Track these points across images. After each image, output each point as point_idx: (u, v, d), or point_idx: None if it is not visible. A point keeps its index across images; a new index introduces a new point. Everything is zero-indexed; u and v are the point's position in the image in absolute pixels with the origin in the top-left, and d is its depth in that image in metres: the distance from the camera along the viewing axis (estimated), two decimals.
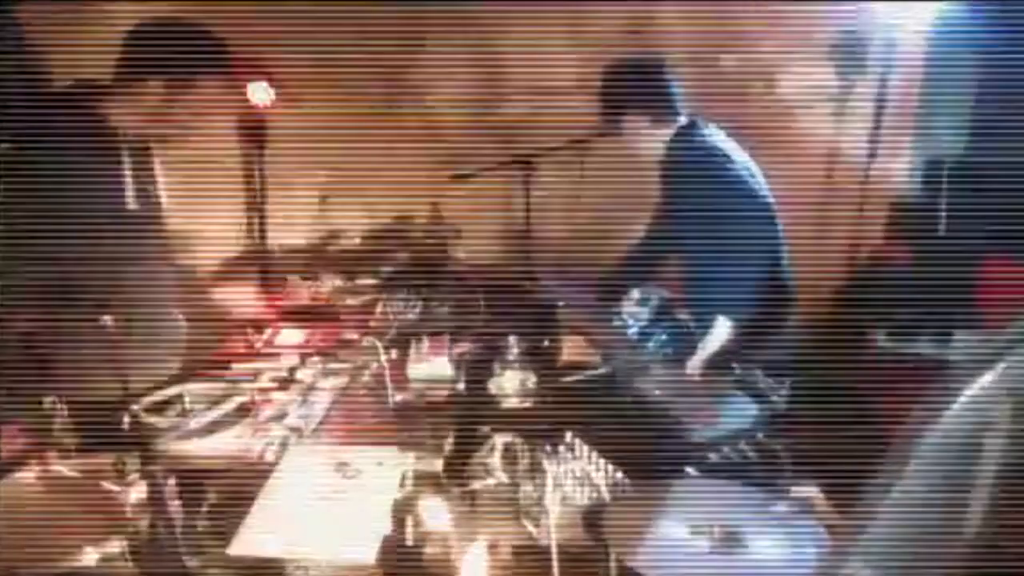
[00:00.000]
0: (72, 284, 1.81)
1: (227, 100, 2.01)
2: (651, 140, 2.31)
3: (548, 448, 1.44)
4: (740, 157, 2.29)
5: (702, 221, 2.18)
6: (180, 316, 2.15)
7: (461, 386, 1.84)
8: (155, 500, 1.18)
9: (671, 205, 2.41)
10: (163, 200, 2.05)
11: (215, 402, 1.67)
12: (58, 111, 1.83)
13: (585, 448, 1.45)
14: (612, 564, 1.15)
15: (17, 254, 1.76)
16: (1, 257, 1.75)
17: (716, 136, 2.30)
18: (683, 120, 2.30)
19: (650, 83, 2.31)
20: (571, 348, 2.05)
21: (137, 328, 1.93)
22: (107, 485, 1.30)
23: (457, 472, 1.45)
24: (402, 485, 1.36)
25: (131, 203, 1.91)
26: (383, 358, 1.80)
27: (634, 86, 2.32)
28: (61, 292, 1.82)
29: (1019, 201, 2.83)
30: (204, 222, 2.38)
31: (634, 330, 2.17)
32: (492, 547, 1.27)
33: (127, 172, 1.90)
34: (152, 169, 2.01)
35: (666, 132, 2.29)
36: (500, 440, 1.47)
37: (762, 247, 2.21)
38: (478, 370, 1.88)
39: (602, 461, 1.42)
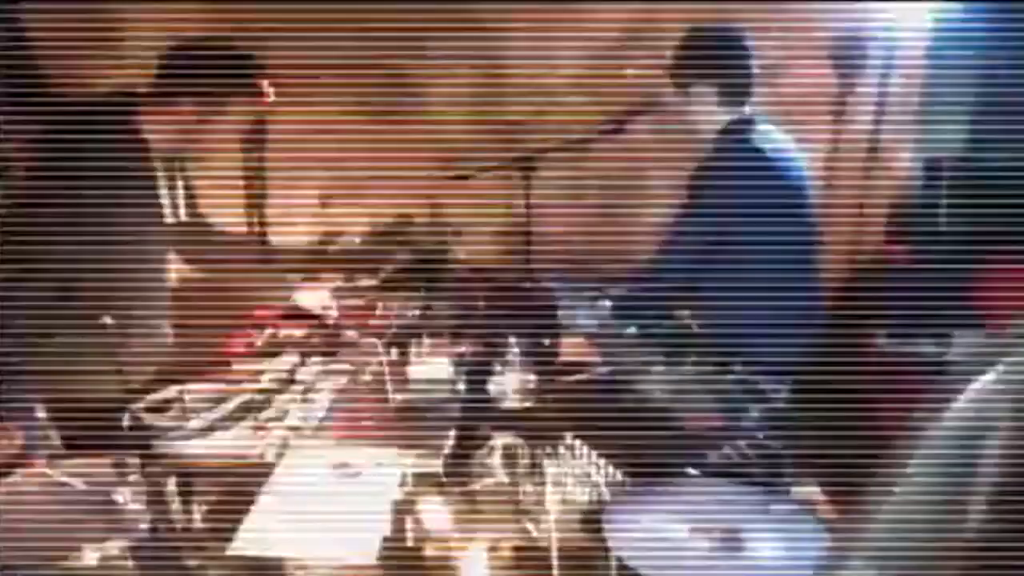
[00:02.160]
0: (79, 286, 1.82)
1: (256, 120, 2.02)
2: (711, 121, 2.21)
3: (548, 448, 1.44)
4: (791, 163, 2.22)
5: (727, 235, 2.12)
6: (167, 326, 2.15)
7: (461, 386, 1.84)
8: (155, 500, 1.18)
9: (700, 204, 2.22)
10: (183, 214, 2.07)
11: (215, 402, 1.67)
12: (90, 118, 1.86)
13: (585, 448, 1.45)
14: (612, 564, 1.15)
15: (31, 257, 1.77)
16: (13, 260, 1.77)
17: (771, 137, 2.21)
18: (746, 112, 2.21)
19: (734, 60, 2.18)
20: (571, 348, 2.05)
21: (131, 332, 1.95)
22: (107, 485, 1.30)
23: (457, 472, 1.45)
24: (402, 485, 1.36)
25: (168, 213, 1.96)
26: (383, 358, 1.80)
27: (717, 57, 2.19)
28: (65, 294, 1.83)
29: (1019, 201, 2.83)
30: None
31: (634, 330, 2.17)
32: (492, 547, 1.27)
33: (160, 182, 1.94)
34: (176, 184, 2.03)
35: (728, 116, 2.20)
36: (500, 440, 1.47)
37: (785, 276, 2.16)
38: (478, 370, 1.88)
39: (602, 461, 1.42)
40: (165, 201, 1.97)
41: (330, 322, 2.30)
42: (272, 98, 2.05)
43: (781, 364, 2.08)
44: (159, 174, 1.94)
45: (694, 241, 2.22)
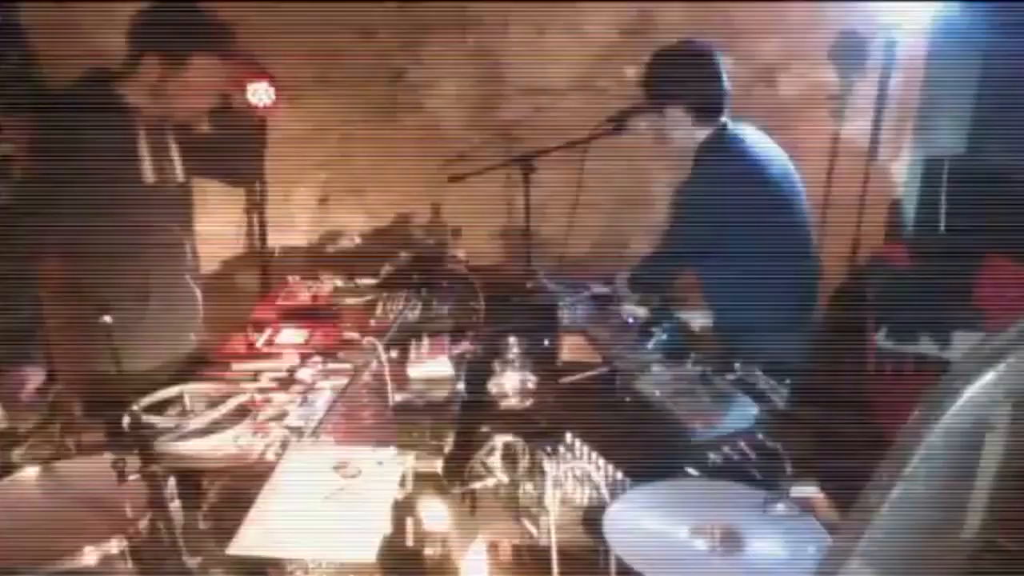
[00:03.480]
0: (86, 271, 1.86)
1: (223, 81, 2.05)
2: (689, 135, 2.26)
3: (548, 448, 1.44)
4: (775, 166, 2.25)
5: (718, 238, 2.18)
6: (197, 287, 2.20)
7: (461, 386, 1.84)
8: (155, 500, 1.18)
9: (689, 211, 2.30)
10: (179, 176, 2.13)
11: (215, 402, 1.67)
12: (78, 95, 1.94)
13: (585, 448, 1.45)
14: (612, 564, 1.15)
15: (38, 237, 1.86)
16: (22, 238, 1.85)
17: (751, 144, 2.24)
18: (722, 122, 2.24)
19: (701, 80, 2.22)
20: (571, 348, 2.05)
21: (155, 297, 1.98)
22: (107, 485, 1.30)
23: (457, 472, 1.45)
24: (402, 485, 1.36)
25: (148, 176, 2.01)
26: (383, 358, 1.80)
27: (684, 78, 2.22)
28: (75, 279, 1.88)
29: (1019, 201, 2.83)
30: (204, 222, 2.37)
31: (634, 330, 2.17)
32: (492, 547, 1.27)
33: (143, 148, 1.99)
34: (168, 147, 2.08)
35: (704, 132, 2.24)
36: (500, 440, 1.47)
37: (779, 270, 2.18)
38: (478, 370, 1.88)
39: (602, 461, 1.42)
40: (152, 167, 2.02)
41: (328, 321, 2.31)
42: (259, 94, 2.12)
43: (780, 363, 2.08)
44: (151, 138, 2.01)
45: (680, 252, 2.29)
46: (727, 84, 2.24)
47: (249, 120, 2.33)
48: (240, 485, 1.40)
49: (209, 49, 1.95)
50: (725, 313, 2.31)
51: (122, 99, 1.95)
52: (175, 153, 2.10)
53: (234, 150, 2.31)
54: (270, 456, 1.52)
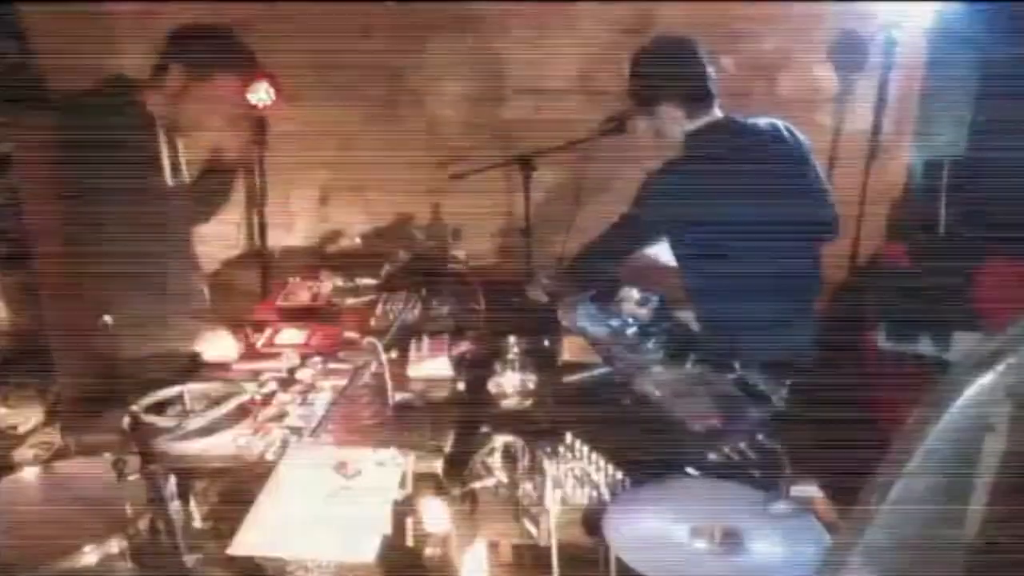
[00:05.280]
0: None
1: (238, 101, 2.12)
2: (684, 128, 2.26)
3: (548, 448, 1.44)
4: (771, 158, 2.23)
5: (693, 225, 2.18)
6: (203, 284, 2.31)
7: (461, 386, 1.84)
8: (155, 500, 1.18)
9: (661, 191, 2.27)
10: (186, 177, 2.19)
11: (215, 402, 1.67)
12: (100, 99, 2.01)
13: (585, 448, 1.45)
14: (612, 564, 1.15)
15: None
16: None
17: (746, 133, 2.24)
18: (717, 115, 2.24)
19: (687, 70, 2.22)
20: (571, 348, 2.05)
21: (168, 291, 2.06)
22: (107, 485, 1.30)
23: (457, 472, 1.45)
24: (402, 485, 1.36)
25: (168, 179, 2.09)
26: (383, 358, 1.80)
27: (670, 73, 2.22)
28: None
29: (1019, 201, 2.83)
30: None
31: (634, 330, 2.17)
32: (492, 547, 1.27)
33: (163, 152, 2.07)
34: (178, 151, 2.15)
35: (697, 123, 2.24)
36: (500, 440, 1.47)
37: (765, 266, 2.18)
38: (478, 370, 1.88)
39: (602, 461, 1.42)
40: (169, 166, 2.09)
41: (328, 321, 2.31)
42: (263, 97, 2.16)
43: (779, 363, 2.08)
44: (164, 142, 2.07)
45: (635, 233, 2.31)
46: (712, 71, 2.24)
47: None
48: (240, 485, 1.40)
49: (232, 69, 2.04)
50: (706, 307, 2.30)
51: (143, 105, 2.02)
52: (183, 156, 2.16)
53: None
54: (270, 456, 1.52)
